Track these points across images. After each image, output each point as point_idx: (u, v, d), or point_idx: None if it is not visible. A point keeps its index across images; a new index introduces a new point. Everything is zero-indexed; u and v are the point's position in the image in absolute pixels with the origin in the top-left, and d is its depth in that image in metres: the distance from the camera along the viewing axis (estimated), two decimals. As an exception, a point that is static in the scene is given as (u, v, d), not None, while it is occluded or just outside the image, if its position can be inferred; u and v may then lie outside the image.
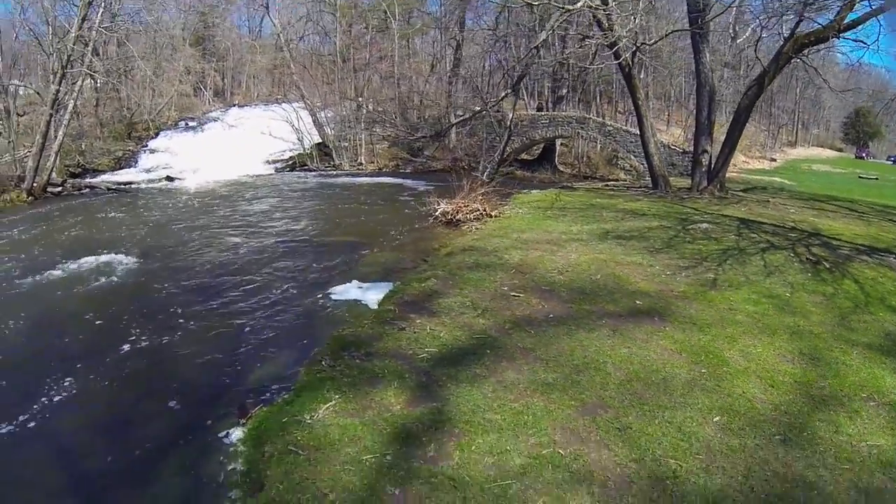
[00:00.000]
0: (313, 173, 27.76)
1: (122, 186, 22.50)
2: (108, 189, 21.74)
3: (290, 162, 29.63)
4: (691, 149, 25.77)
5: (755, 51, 16.44)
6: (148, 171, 26.97)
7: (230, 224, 14.15)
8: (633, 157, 24.24)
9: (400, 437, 4.18)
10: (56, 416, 5.18)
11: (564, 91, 27.78)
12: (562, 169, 27.99)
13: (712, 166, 17.87)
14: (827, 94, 49.27)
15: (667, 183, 18.25)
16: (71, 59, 20.35)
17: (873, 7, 14.41)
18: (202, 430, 4.87)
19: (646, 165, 24.10)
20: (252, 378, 5.81)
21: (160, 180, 24.77)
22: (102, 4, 20.62)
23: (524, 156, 28.25)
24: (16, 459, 4.65)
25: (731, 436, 4.24)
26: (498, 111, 23.72)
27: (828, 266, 9.49)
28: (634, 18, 15.16)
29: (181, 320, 7.41)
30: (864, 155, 66.40)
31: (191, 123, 33.87)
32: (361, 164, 29.26)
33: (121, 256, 10.55)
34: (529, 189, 20.35)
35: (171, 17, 34.92)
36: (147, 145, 30.28)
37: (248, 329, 7.13)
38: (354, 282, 8.67)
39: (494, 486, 3.59)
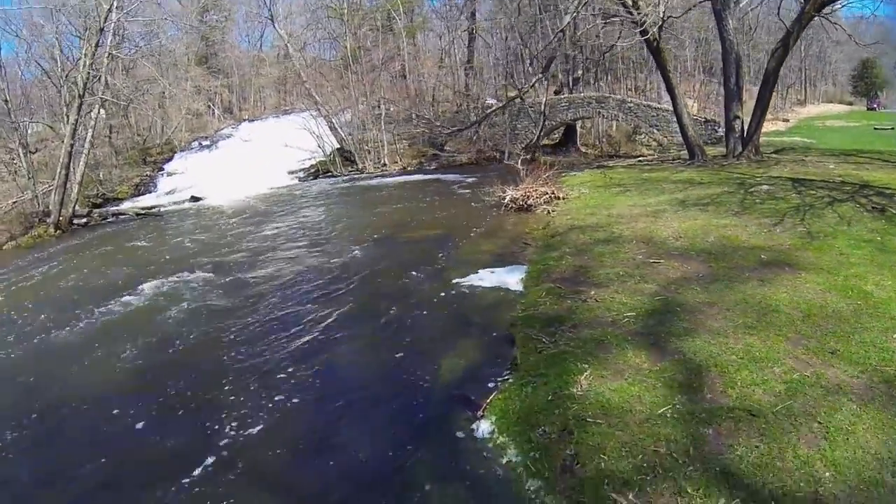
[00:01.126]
0: (339, 179, 27.98)
1: (150, 211, 22.74)
2: (137, 214, 21.97)
3: (313, 170, 29.80)
4: (710, 118, 26.87)
5: (778, 13, 17.30)
6: (168, 193, 27.13)
7: (290, 236, 14.18)
8: (655, 130, 25.09)
9: (674, 388, 4.64)
10: (289, 425, 5.39)
11: (580, 72, 28.58)
12: (584, 150, 28.75)
13: (745, 131, 18.79)
14: (832, 49, 50.06)
15: (703, 152, 19.07)
16: (87, 87, 20.76)
17: None
18: (441, 432, 4.93)
19: (669, 138, 25.19)
20: (445, 375, 5.88)
21: (184, 201, 24.96)
22: (112, 30, 21.10)
23: (545, 141, 28.99)
24: (304, 468, 4.82)
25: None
26: (526, 97, 24.38)
27: (894, 212, 10.43)
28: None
29: (326, 335, 7.27)
30: (875, 106, 67.64)
31: (204, 143, 33.85)
32: (385, 164, 29.49)
33: (190, 275, 10.66)
34: (566, 172, 21.17)
35: (171, 38, 35.17)
36: (164, 169, 30.32)
37: (402, 333, 7.06)
38: (478, 269, 8.99)
39: (780, 409, 4.20)
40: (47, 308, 9.55)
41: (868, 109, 64.06)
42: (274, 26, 35.65)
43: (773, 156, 19.08)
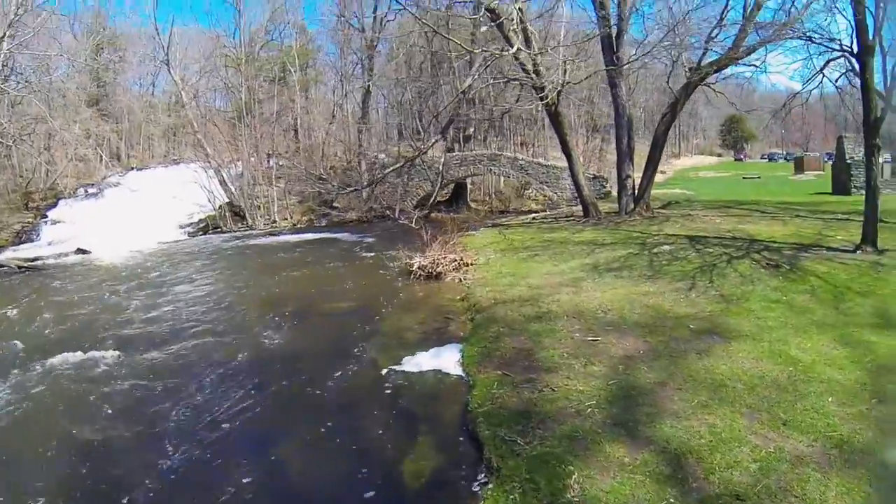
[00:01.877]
0: (228, 235, 27.47)
1: (34, 263, 21.03)
2: (19, 268, 20.12)
3: (202, 225, 29.25)
4: (598, 174, 29.18)
5: (667, 81, 19.49)
6: (52, 243, 25.68)
7: (192, 310, 12.96)
8: (546, 187, 26.72)
9: (661, 482, 4.71)
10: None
11: (471, 130, 29.95)
12: (474, 206, 29.90)
13: (636, 189, 20.67)
14: (703, 107, 56.68)
15: (597, 210, 20.60)
16: None
17: (761, 38, 18.14)
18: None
19: (559, 194, 26.95)
20: (411, 483, 5.51)
21: (69, 254, 23.55)
22: (1, 62, 19.42)
23: (436, 197, 29.83)
24: None
25: (848, 406, 5.72)
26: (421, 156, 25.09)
27: (787, 268, 11.78)
28: (564, 63, 17.44)
29: (258, 439, 6.70)
30: (742, 157, 77.90)
31: (91, 190, 32.57)
32: (275, 221, 29.19)
33: (85, 357, 9.55)
34: (459, 231, 21.78)
35: (63, 75, 33.30)
36: (47, 216, 28.95)
37: (346, 436, 6.50)
38: (409, 352, 8.70)
39: (760, 489, 4.50)
40: None
41: (735, 160, 73.57)
42: (169, 71, 34.89)
43: (663, 211, 20.96)
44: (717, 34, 18.57)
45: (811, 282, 10.35)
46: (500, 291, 11.03)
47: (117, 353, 9.68)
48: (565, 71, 17.94)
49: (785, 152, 78.71)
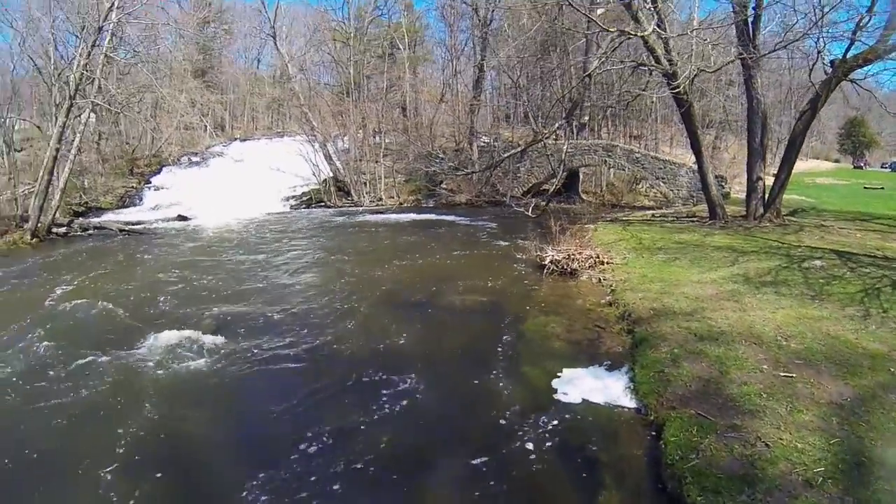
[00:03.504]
0: (333, 210, 26.66)
1: (135, 227, 21.11)
2: (120, 231, 20.33)
3: (306, 198, 28.63)
4: (717, 173, 26.73)
5: (809, 75, 17.07)
6: (154, 209, 26.01)
7: (302, 290, 12.12)
8: (662, 183, 24.72)
9: None
10: None
11: (586, 118, 28.19)
12: (585, 197, 28.33)
13: (768, 193, 18.48)
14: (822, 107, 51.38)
15: (724, 212, 18.66)
16: (79, 88, 19.14)
17: None
18: None
19: (675, 192, 24.88)
20: None
21: (171, 220, 23.63)
22: (111, 31, 19.73)
23: (545, 186, 28.41)
24: None
25: None
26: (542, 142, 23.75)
27: None
28: (703, 47, 15.51)
29: (393, 480, 5.42)
30: (862, 164, 70.11)
31: (194, 158, 32.84)
32: (381, 199, 28.35)
33: (187, 334, 8.74)
34: (574, 223, 20.41)
35: (170, 46, 33.67)
36: (151, 182, 29.35)
37: (506, 483, 5.21)
38: (563, 366, 7.50)
39: None
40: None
41: (854, 168, 66.23)
42: (275, 44, 34.30)
43: (792, 219, 18.75)
44: (868, 22, 15.81)
45: None
46: (654, 300, 9.72)
47: (217, 337, 8.80)
48: (702, 56, 15.95)
49: None
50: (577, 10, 16.94)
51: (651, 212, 23.07)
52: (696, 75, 16.57)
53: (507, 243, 16.67)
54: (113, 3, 18.73)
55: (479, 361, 7.96)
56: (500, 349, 8.46)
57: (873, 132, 71.55)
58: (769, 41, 17.72)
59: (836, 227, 17.40)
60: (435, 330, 9.54)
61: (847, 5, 15.51)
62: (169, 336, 8.67)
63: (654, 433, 5.93)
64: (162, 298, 11.20)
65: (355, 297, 11.27)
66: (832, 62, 16.41)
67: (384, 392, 6.93)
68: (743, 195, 24.21)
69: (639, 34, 15.29)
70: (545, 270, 12.75)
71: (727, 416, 5.79)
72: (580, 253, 12.78)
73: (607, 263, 12.86)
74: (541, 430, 6.08)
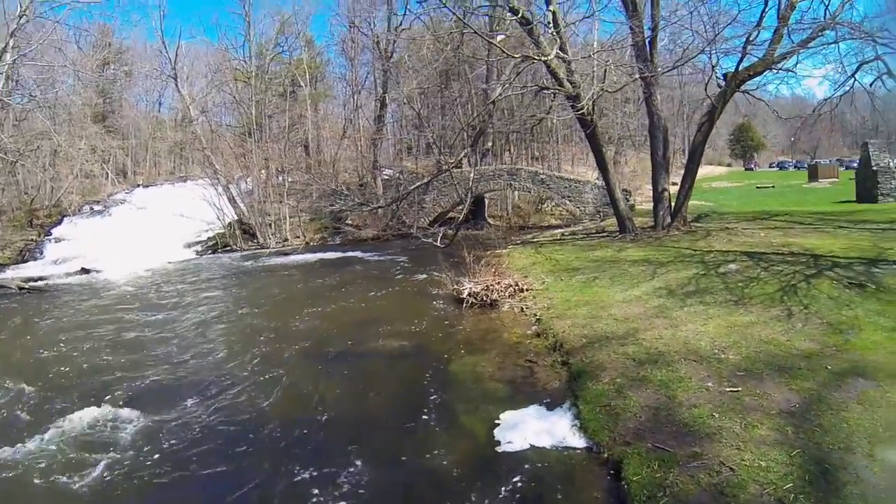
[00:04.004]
0: (239, 255, 26.27)
1: (36, 284, 19.89)
2: (20, 288, 18.96)
3: (212, 243, 28.19)
4: (623, 187, 27.91)
5: (705, 88, 18.28)
6: (56, 262, 24.84)
7: (216, 346, 11.33)
8: (567, 202, 25.40)
9: None
10: None
11: (489, 144, 28.56)
12: (493, 222, 28.57)
13: (674, 202, 19.40)
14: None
15: (633, 225, 19.34)
16: None
17: (796, 43, 17.08)
18: None
19: (581, 209, 25.66)
20: None
21: (75, 273, 22.57)
22: (5, 73, 18.07)
23: (452, 213, 28.42)
24: None
25: None
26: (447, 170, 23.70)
27: (873, 287, 10.64)
28: (603, 69, 16.15)
29: None
30: (752, 166, 77.99)
31: (96, 207, 31.89)
32: (287, 240, 27.92)
33: (100, 413, 7.85)
34: (485, 249, 20.48)
35: (68, 90, 32.47)
36: (51, 234, 28.19)
37: None
38: (501, 409, 7.08)
39: None
40: None
41: (746, 170, 74.02)
42: (176, 85, 33.64)
43: (698, 225, 19.73)
44: (756, 36, 17.45)
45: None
46: (584, 325, 9.58)
47: (131, 411, 7.98)
48: (604, 77, 16.62)
49: (794, 160, 78.51)
50: (482, 37, 17.20)
51: (560, 230, 23.58)
52: (598, 96, 17.19)
53: (421, 277, 16.33)
54: (7, 44, 17.22)
55: (411, 416, 7.34)
56: (431, 398, 7.89)
57: (760, 135, 79.12)
58: (665, 59, 18.80)
59: (741, 228, 18.42)
60: (360, 385, 8.83)
61: (739, 22, 17.02)
62: (78, 414, 7.81)
63: (612, 472, 5.57)
64: (65, 369, 10.11)
65: (272, 357, 10.34)
66: (724, 75, 17.77)
67: (313, 488, 5.93)
68: (648, 206, 25.41)
69: (542, 59, 15.67)
70: (465, 304, 12.42)
71: (686, 445, 5.57)
72: (498, 283, 12.56)
73: (527, 290, 12.72)
74: (491, 492, 5.54)
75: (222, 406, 8.15)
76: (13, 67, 18.63)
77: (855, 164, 60.80)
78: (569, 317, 10.27)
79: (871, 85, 18.24)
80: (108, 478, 6.29)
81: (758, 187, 39.97)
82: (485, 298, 12.32)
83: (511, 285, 12.61)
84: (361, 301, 14.69)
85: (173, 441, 7.10)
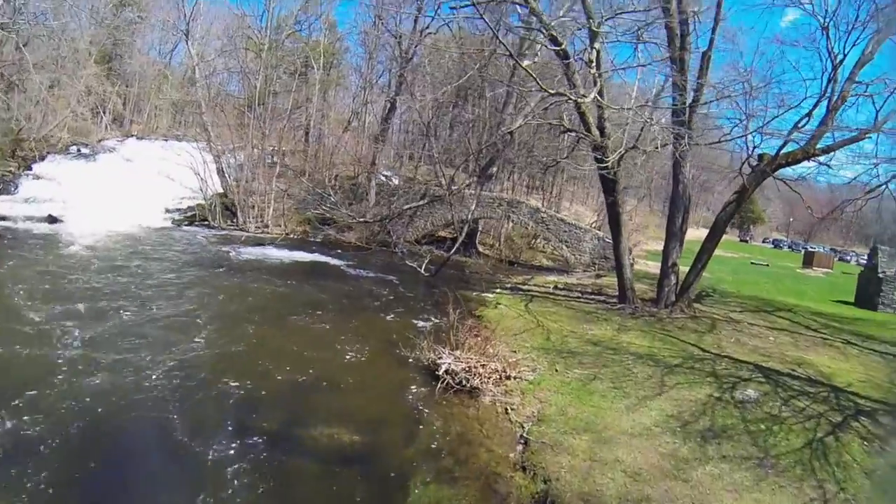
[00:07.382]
0: (215, 233, 24.68)
1: None
2: None
3: (190, 214, 26.51)
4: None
5: (740, 170, 16.25)
6: (27, 201, 23.57)
7: (120, 347, 9.75)
8: (564, 246, 23.17)
9: None
10: None
11: (494, 169, 26.07)
12: (482, 250, 26.21)
13: (681, 279, 17.33)
14: (715, 181, 52.76)
15: (634, 295, 17.21)
16: None
17: (838, 139, 15.27)
18: None
19: (577, 257, 23.49)
20: None
21: (41, 220, 21.83)
22: None
23: (442, 233, 26.03)
24: None
25: None
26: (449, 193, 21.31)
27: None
28: (636, 128, 13.92)
29: None
30: (747, 238, 77.79)
31: (83, 150, 29.70)
32: (268, 226, 25.93)
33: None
34: (470, 286, 18.55)
35: (79, 26, 30.24)
36: (31, 169, 26.32)
37: None
38: None
39: None
40: None
41: (740, 241, 73.61)
42: (187, 43, 31.32)
43: (701, 308, 17.72)
44: (805, 124, 15.50)
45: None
46: (584, 477, 7.32)
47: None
48: (639, 134, 14.46)
49: (790, 240, 78.11)
50: (514, 60, 14.94)
51: (553, 277, 21.40)
52: (626, 152, 15.03)
53: (397, 320, 14.09)
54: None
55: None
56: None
57: (761, 209, 78.37)
58: (697, 123, 16.68)
59: (746, 323, 16.60)
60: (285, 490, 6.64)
61: (785, 105, 15.17)
62: None
63: None
64: None
65: (195, 419, 8.13)
66: (760, 156, 15.79)
67: None
68: (646, 266, 23.42)
69: (578, 99, 13.37)
70: (439, 382, 10.10)
71: None
72: (483, 365, 10.25)
73: (515, 378, 10.46)
74: None
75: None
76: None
77: (849, 257, 60.59)
78: (564, 449, 8.01)
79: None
80: None
81: (752, 263, 38.54)
82: (464, 383, 10.00)
83: (497, 371, 10.29)
84: (319, 342, 12.08)
85: None
